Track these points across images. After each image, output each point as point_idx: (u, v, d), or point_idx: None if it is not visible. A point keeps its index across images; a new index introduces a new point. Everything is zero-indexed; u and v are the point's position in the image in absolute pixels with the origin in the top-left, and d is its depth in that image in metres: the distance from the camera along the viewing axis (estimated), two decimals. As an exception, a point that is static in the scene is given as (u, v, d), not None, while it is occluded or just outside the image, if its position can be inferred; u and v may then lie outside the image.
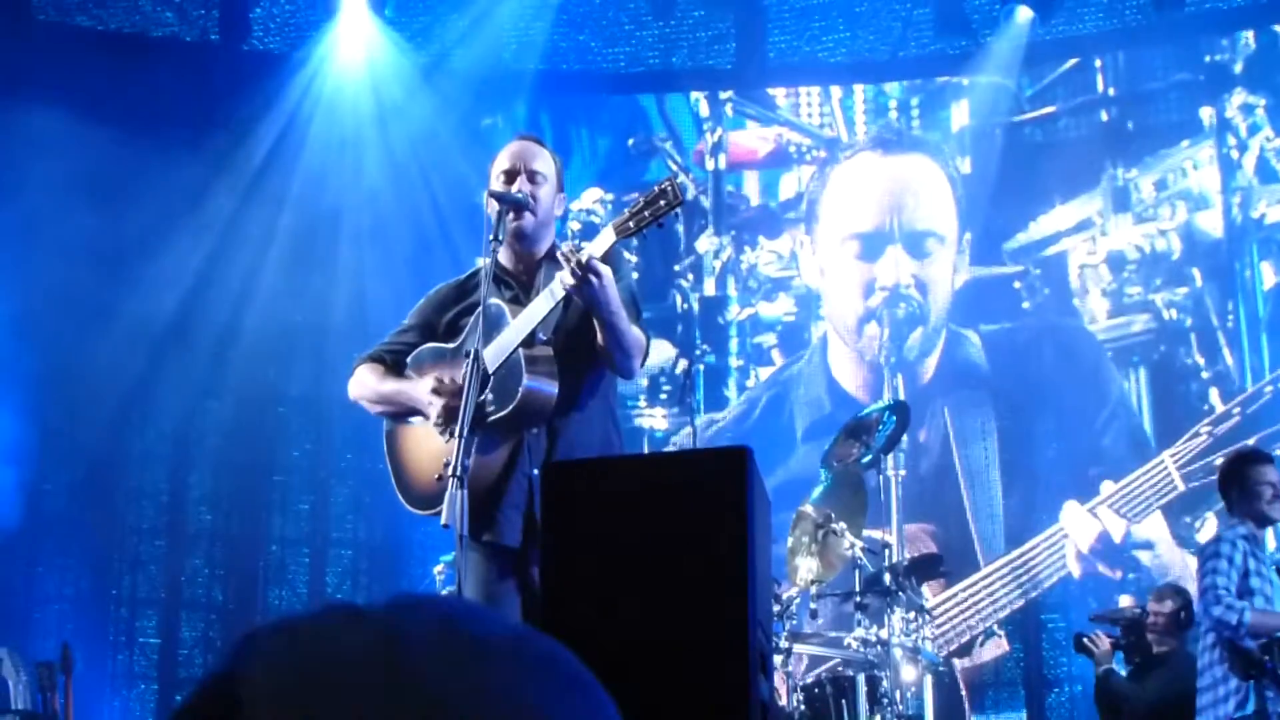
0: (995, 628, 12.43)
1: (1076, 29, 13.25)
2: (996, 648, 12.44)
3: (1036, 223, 13.28)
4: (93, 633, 12.11)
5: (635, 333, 5.78)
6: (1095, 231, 13.14)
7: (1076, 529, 12.42)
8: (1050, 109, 13.66)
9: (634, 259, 12.65)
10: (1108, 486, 12.44)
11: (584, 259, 5.48)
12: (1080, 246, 13.17)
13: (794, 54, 13.62)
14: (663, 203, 5.47)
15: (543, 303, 5.72)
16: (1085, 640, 9.89)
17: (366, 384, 6.22)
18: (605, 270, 5.53)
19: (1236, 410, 12.38)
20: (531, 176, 6.02)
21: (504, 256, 6.11)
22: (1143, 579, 12.16)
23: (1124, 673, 9.81)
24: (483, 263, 5.80)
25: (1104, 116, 13.54)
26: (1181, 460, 12.33)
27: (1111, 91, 13.55)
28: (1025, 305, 13.24)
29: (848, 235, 13.37)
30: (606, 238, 5.60)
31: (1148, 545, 12.31)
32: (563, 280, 5.54)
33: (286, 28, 13.36)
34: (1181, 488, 12.25)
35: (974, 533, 12.61)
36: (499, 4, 13.00)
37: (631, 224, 5.53)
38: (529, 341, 5.75)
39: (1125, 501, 12.34)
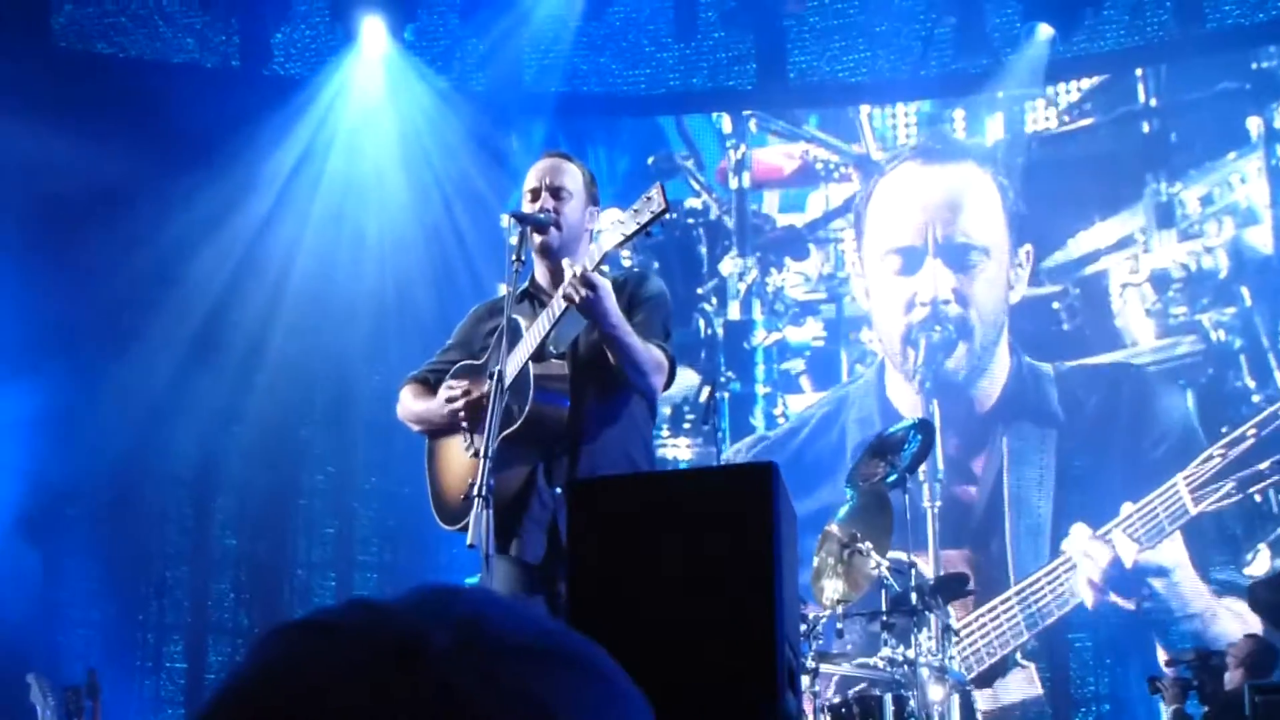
0: (1018, 657, 12.17)
1: (1098, 46, 13.13)
2: (1028, 683, 12.12)
3: (1075, 240, 12.87)
4: (119, 658, 12.11)
5: (647, 349, 5.76)
6: (1137, 249, 12.70)
7: (1085, 556, 12.06)
8: (1088, 120, 13.26)
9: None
10: (1127, 508, 12.07)
11: (578, 271, 5.50)
12: (1122, 265, 12.72)
13: (815, 74, 13.56)
14: (650, 212, 5.48)
15: (545, 319, 5.74)
16: (1159, 682, 9.88)
17: (405, 405, 6.36)
18: (602, 282, 5.56)
19: (1252, 432, 11.95)
20: (556, 193, 6.04)
21: (539, 274, 6.15)
22: (1158, 607, 11.94)
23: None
24: (504, 290, 5.81)
25: (1145, 128, 13.10)
26: (1195, 483, 11.92)
27: (1153, 102, 13.11)
28: (1065, 327, 12.84)
29: (888, 250, 13.02)
30: (597, 250, 5.63)
31: (1162, 572, 11.93)
32: (561, 294, 5.57)
33: (307, 53, 13.36)
34: (1193, 511, 11.85)
35: (1010, 563, 12.29)
36: (519, 27, 13.00)
37: (620, 234, 5.56)
38: (539, 356, 5.77)
39: (1140, 526, 11.97)
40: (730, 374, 13.18)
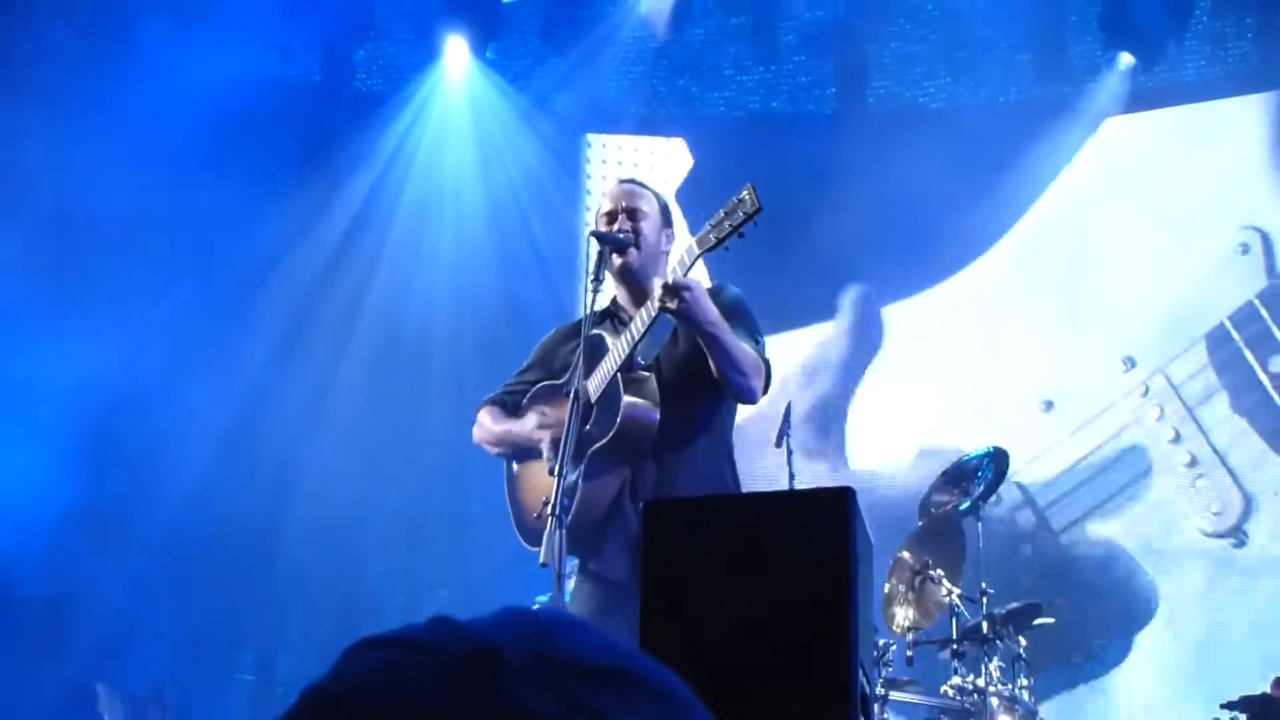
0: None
1: (1180, 76, 13.05)
2: None
3: None
4: (189, 670, 12.14)
5: (747, 349, 5.73)
6: None
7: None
8: None
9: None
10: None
11: (670, 277, 5.48)
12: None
13: (894, 99, 13.52)
14: (741, 213, 5.44)
15: (635, 328, 5.72)
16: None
17: (484, 427, 6.35)
18: (696, 283, 5.52)
19: None
20: (632, 214, 6.05)
21: (620, 296, 6.15)
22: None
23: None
24: (589, 298, 5.80)
25: None
26: None
27: None
28: None
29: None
30: (689, 255, 5.59)
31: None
32: (654, 303, 5.55)
33: (389, 69, 13.45)
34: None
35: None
36: (600, 48, 13.05)
37: (712, 236, 5.51)
38: (628, 368, 5.76)
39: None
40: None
